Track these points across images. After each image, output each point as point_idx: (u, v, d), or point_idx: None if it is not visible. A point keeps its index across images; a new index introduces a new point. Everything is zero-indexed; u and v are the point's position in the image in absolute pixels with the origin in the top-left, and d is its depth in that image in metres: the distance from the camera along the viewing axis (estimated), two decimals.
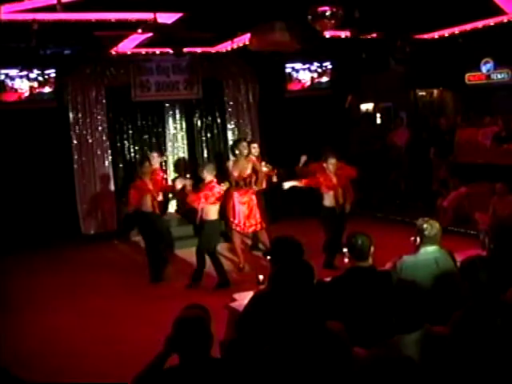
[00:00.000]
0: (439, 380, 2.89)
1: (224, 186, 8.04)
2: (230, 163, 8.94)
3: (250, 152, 8.92)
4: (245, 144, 8.87)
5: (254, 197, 8.77)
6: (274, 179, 9.20)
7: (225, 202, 8.60)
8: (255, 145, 9.33)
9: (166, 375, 2.94)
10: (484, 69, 11.65)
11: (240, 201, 8.67)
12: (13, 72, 10.26)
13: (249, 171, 8.73)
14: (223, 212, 8.85)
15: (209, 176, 7.96)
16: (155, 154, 9.55)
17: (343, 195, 8.36)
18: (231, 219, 8.70)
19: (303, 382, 2.88)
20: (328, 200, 8.33)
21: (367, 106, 14.07)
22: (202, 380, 2.83)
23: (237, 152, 8.96)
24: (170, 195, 10.05)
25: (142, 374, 3.01)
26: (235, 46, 9.90)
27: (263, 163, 9.06)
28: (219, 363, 2.99)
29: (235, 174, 8.69)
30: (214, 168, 8.13)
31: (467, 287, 3.36)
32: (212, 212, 7.98)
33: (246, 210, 8.68)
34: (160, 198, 8.66)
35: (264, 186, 8.95)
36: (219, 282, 7.87)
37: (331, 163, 8.29)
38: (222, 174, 8.80)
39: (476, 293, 3.27)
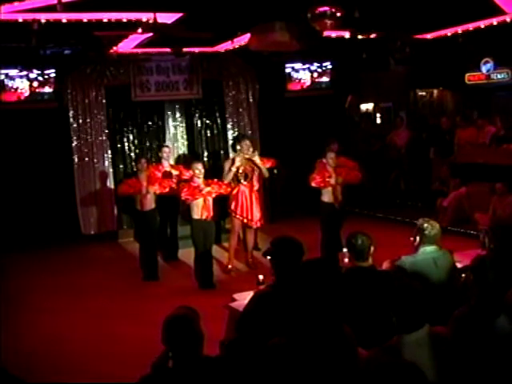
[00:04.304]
0: (440, 380, 2.89)
1: (208, 188, 7.93)
2: (237, 159, 8.82)
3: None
4: (248, 142, 8.84)
5: (255, 194, 8.77)
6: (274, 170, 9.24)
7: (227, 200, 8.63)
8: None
9: (157, 374, 3.01)
10: (484, 69, 11.63)
11: (245, 196, 8.65)
12: (13, 72, 10.27)
13: (249, 167, 8.70)
14: (221, 210, 8.84)
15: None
16: (166, 149, 9.53)
17: (342, 191, 8.28)
18: (237, 213, 8.63)
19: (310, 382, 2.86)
20: (326, 196, 8.28)
21: (367, 106, 14.05)
22: (191, 378, 2.88)
23: (238, 148, 8.93)
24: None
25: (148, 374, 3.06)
26: (235, 46, 9.90)
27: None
28: (210, 361, 3.02)
29: (240, 169, 8.63)
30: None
31: (471, 286, 3.35)
32: (194, 211, 7.92)
33: (249, 204, 8.65)
34: (150, 192, 8.38)
35: (257, 185, 8.92)
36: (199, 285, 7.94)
37: (330, 157, 8.22)
38: (221, 172, 8.78)
39: (482, 292, 3.27)
